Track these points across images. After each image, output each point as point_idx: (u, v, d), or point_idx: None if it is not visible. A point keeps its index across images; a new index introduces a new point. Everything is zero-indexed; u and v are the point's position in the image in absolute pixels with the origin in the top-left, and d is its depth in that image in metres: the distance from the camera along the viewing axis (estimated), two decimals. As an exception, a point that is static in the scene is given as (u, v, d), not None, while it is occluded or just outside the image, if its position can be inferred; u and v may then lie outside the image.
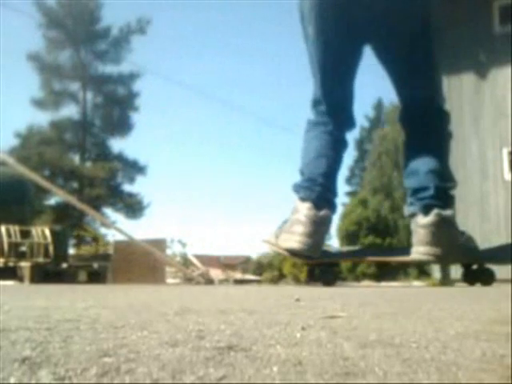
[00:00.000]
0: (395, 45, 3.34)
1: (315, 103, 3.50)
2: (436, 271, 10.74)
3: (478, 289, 3.41)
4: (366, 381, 0.59)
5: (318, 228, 3.26)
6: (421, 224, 3.14)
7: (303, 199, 3.31)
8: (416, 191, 3.24)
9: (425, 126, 3.34)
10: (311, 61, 3.42)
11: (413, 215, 3.23)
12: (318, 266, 3.41)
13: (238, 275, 26.92)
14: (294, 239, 3.25)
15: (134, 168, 31.31)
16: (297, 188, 3.41)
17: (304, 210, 3.27)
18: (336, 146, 3.46)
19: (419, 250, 3.17)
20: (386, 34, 3.30)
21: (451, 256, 3.22)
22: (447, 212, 3.14)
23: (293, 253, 3.37)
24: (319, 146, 3.43)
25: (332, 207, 3.39)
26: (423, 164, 3.25)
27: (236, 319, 1.16)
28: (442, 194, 3.19)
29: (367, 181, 35.71)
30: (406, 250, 3.56)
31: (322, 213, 3.27)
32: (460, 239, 3.24)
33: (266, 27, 59.14)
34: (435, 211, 3.10)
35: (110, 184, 30.65)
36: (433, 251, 3.11)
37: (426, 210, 3.13)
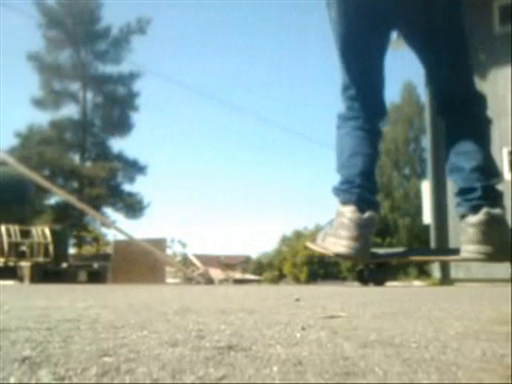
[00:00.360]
0: (423, 30, 3.23)
1: (344, 89, 3.39)
2: (436, 271, 10.74)
3: (478, 288, 3.41)
4: (366, 381, 0.59)
5: (364, 231, 3.22)
6: (470, 223, 3.12)
7: (344, 202, 3.27)
8: (463, 192, 3.21)
9: (463, 114, 3.26)
10: (336, 45, 3.34)
11: (463, 216, 3.21)
12: (367, 267, 3.42)
13: (238, 275, 26.98)
14: (341, 243, 3.23)
15: (134, 168, 31.34)
16: (336, 191, 3.35)
17: (347, 213, 3.23)
18: (370, 140, 3.35)
19: (469, 249, 3.16)
20: (413, 18, 3.19)
21: (501, 254, 3.20)
22: (496, 210, 3.13)
23: (341, 257, 3.38)
24: (353, 143, 3.35)
25: (375, 207, 3.32)
26: (467, 160, 3.17)
27: (236, 319, 1.16)
28: (489, 192, 3.17)
29: (367, 181, 35.70)
30: (454, 249, 3.55)
31: (367, 215, 3.22)
32: (510, 237, 3.23)
33: (266, 27, 59.16)
34: (484, 210, 3.09)
35: (110, 184, 30.67)
36: (483, 250, 3.11)
37: (475, 210, 3.12)
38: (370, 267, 3.42)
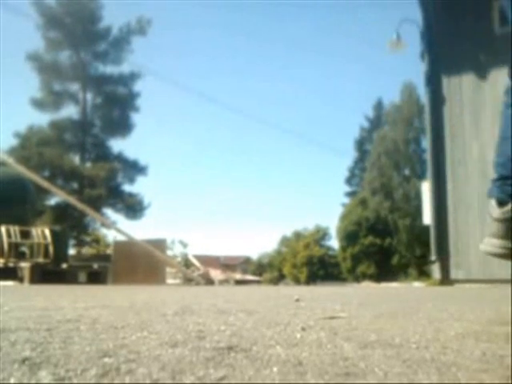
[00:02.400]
0: None
1: None
2: (436, 272, 10.74)
3: (478, 289, 3.41)
4: (367, 381, 0.59)
5: (505, 225, 3.10)
6: None
7: (489, 196, 3.17)
8: None
9: None
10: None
11: None
12: None
13: (238, 276, 26.97)
14: (485, 241, 3.18)
15: (135, 168, 31.32)
16: (489, 186, 3.25)
17: (490, 208, 3.15)
18: None
19: None
20: None
21: None
22: None
23: (488, 254, 3.36)
24: (503, 125, 3.11)
25: None
26: None
27: (236, 320, 1.16)
28: None
29: (367, 181, 35.73)
30: None
31: (505, 208, 3.09)
32: None
33: (266, 28, 59.20)
34: None
35: (110, 184, 30.64)
36: None
37: None
38: None
